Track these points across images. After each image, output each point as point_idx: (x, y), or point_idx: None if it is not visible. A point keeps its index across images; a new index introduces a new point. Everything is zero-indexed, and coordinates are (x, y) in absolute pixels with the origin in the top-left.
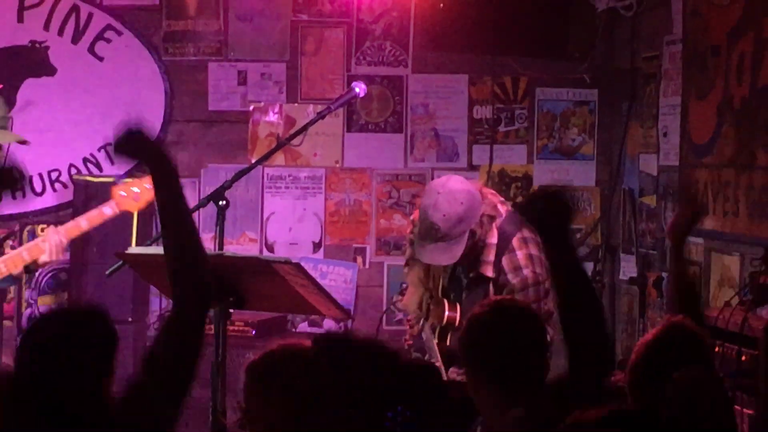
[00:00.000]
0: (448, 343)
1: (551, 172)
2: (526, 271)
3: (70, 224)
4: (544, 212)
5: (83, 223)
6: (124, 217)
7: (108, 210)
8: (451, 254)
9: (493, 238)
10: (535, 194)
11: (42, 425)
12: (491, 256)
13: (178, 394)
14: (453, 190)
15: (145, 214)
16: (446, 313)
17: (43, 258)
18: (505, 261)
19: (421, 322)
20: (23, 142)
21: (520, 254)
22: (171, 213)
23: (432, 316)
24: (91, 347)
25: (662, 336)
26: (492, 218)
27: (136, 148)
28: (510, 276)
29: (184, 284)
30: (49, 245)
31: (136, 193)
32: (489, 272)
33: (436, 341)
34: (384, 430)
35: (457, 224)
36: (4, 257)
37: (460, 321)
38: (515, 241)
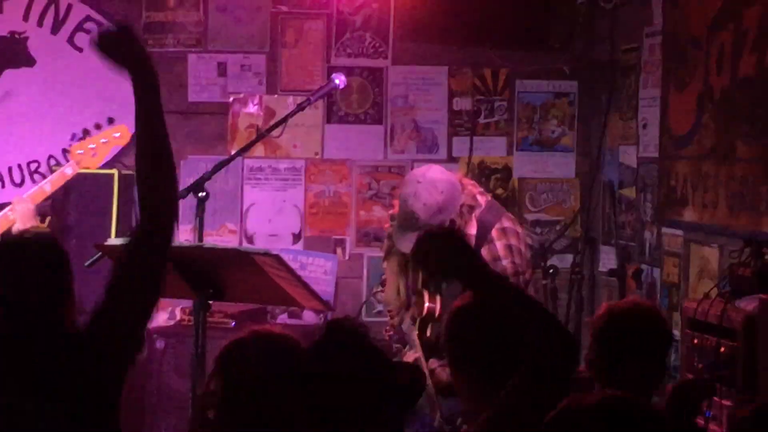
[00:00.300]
0: (428, 334)
1: (531, 164)
2: (505, 262)
3: (35, 190)
4: (437, 255)
5: (47, 186)
6: (103, 209)
7: (69, 170)
8: None
9: (472, 229)
10: (420, 239)
11: (6, 358)
12: None
13: (143, 316)
14: (433, 179)
15: (124, 207)
16: (426, 304)
17: (17, 227)
18: (484, 252)
19: (402, 313)
20: None
21: (499, 245)
22: (148, 123)
23: (412, 307)
24: (43, 268)
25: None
26: (471, 208)
27: (119, 49)
28: None
29: (154, 201)
30: (17, 214)
31: (93, 149)
32: None
33: (416, 333)
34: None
35: (436, 213)
36: None
37: (440, 312)
38: (494, 232)
